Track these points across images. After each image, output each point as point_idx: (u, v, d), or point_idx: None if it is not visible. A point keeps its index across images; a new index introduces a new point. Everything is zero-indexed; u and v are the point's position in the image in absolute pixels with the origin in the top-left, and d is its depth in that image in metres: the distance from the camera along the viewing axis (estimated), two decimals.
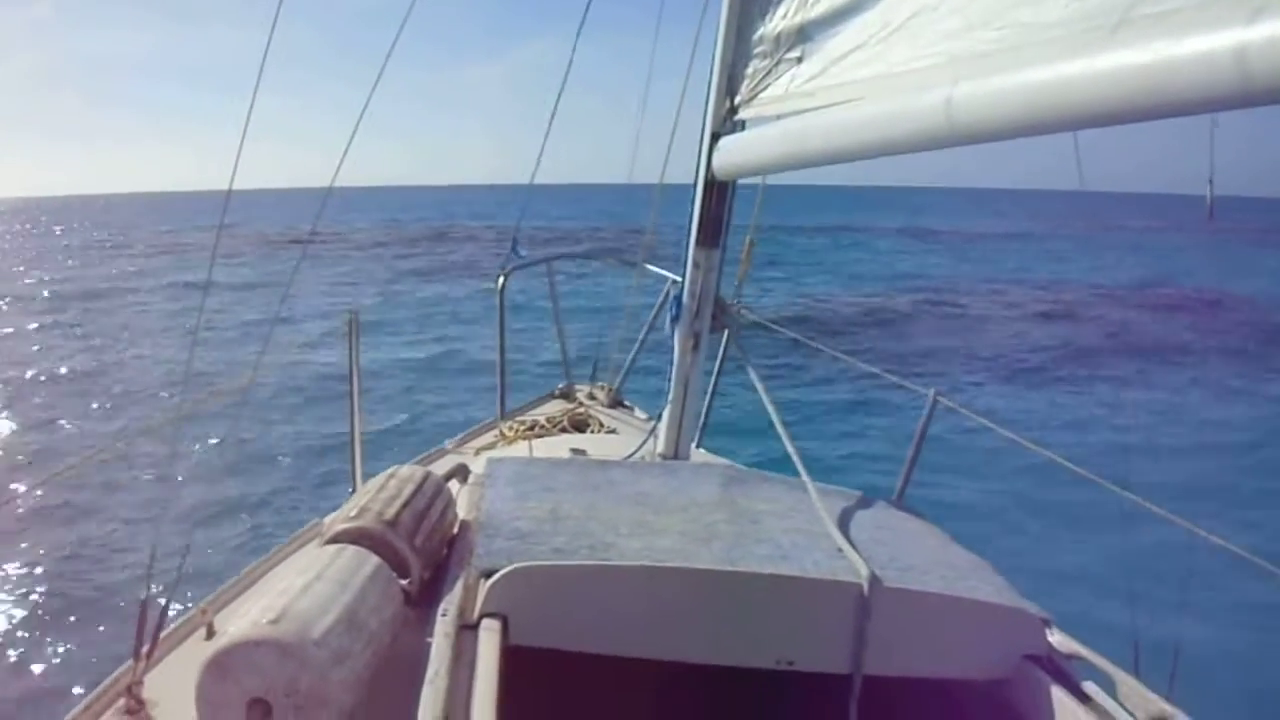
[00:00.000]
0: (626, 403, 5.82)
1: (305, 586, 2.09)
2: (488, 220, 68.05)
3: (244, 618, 1.99)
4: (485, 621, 2.26)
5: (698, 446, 4.66)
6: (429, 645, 2.16)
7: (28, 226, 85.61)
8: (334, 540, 2.48)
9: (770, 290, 27.57)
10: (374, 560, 2.35)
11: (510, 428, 5.05)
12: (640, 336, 5.69)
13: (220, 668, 1.90)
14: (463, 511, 2.94)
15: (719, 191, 3.78)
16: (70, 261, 42.91)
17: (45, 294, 30.22)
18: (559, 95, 6.03)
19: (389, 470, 2.90)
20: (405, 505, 2.62)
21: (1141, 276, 34.32)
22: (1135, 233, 60.72)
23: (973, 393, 14.87)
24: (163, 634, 2.55)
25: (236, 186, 3.77)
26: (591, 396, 5.84)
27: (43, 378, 16.88)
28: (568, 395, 5.87)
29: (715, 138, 3.70)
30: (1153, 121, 1.63)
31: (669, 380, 4.04)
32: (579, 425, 5.17)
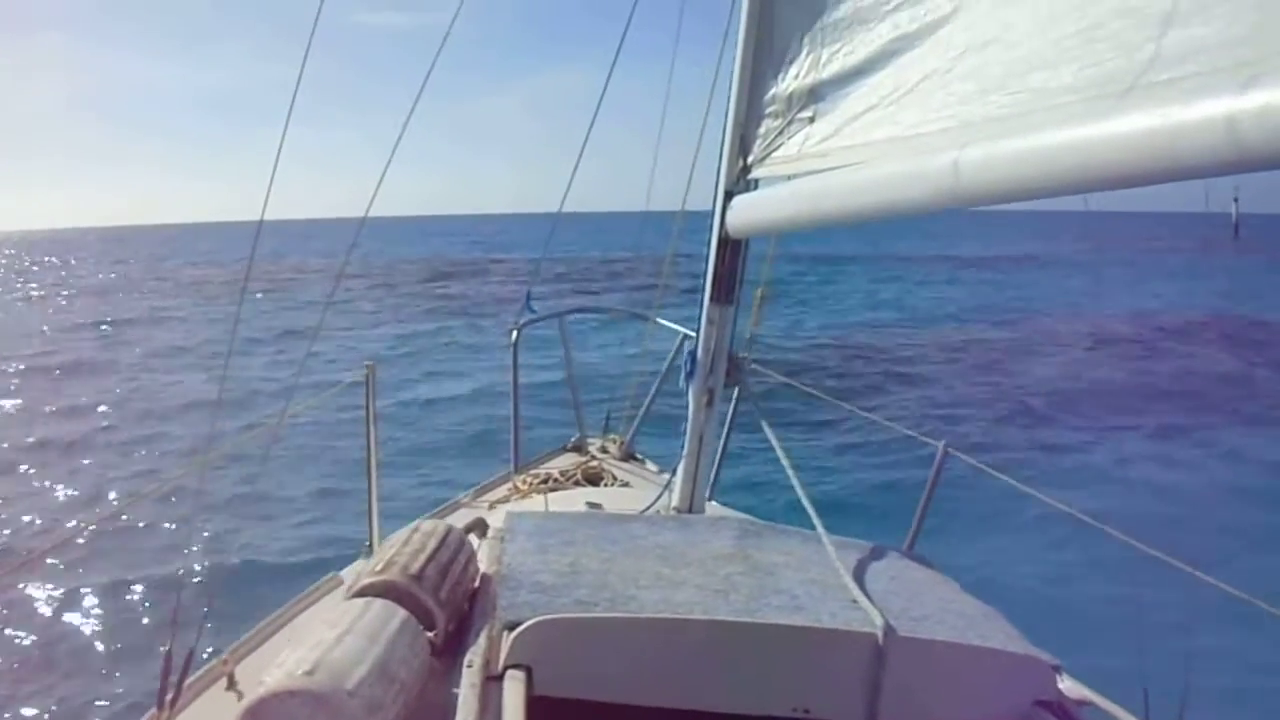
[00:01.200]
0: (639, 455, 5.85)
1: (337, 639, 2.13)
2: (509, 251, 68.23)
3: (278, 668, 2.03)
4: (510, 672, 2.31)
5: (711, 500, 4.69)
6: (455, 696, 2.20)
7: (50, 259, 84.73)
8: (361, 593, 2.52)
9: (788, 332, 26.77)
10: (401, 613, 2.40)
11: (524, 481, 5.09)
12: (652, 390, 5.74)
13: (257, 718, 1.93)
14: (484, 565, 2.99)
15: (733, 249, 3.84)
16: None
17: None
18: (590, 127, 6.04)
19: (412, 525, 2.95)
20: (430, 559, 2.67)
21: (1170, 302, 32.43)
22: (1159, 254, 57.42)
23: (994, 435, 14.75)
24: (186, 683, 2.58)
25: (267, 217, 3.85)
26: (604, 449, 5.87)
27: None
28: (580, 449, 5.90)
29: (729, 195, 3.76)
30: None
31: (684, 435, 4.08)
32: (592, 479, 5.21)
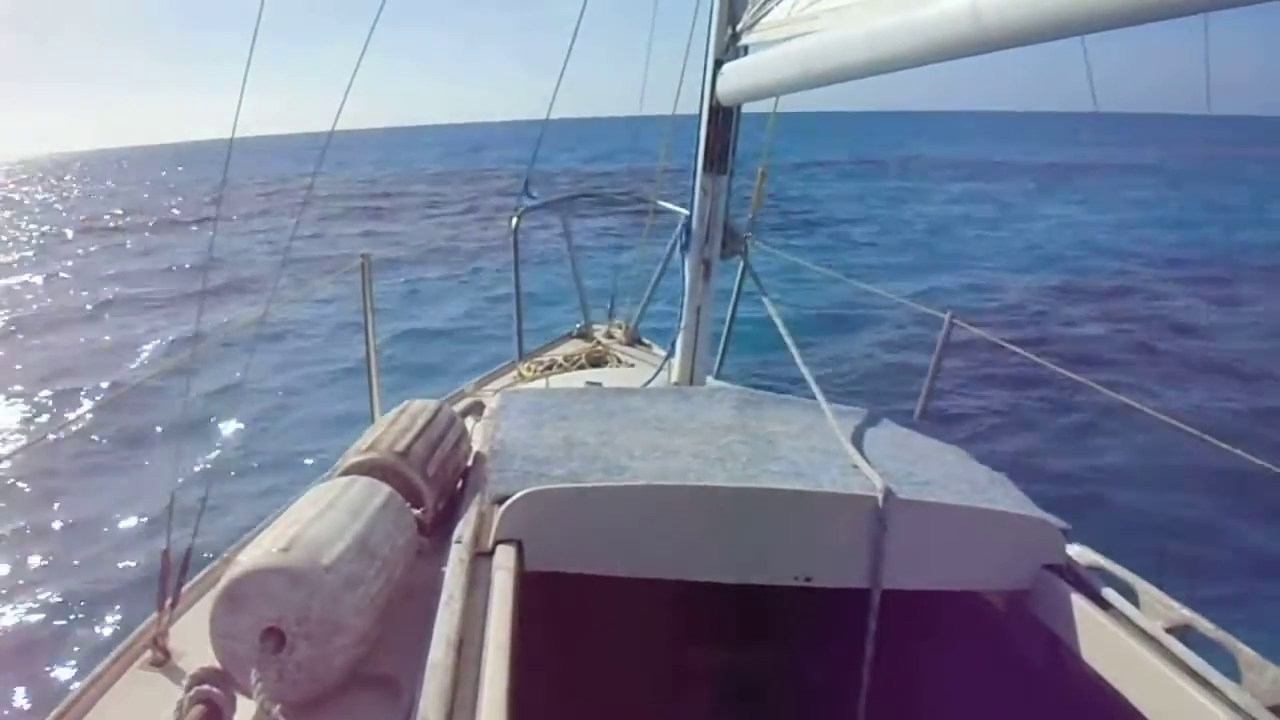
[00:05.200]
0: (645, 340, 5.83)
1: (316, 516, 2.11)
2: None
3: (256, 547, 2.02)
4: (500, 547, 2.28)
5: (715, 376, 4.67)
6: (444, 573, 2.19)
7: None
8: (347, 473, 2.51)
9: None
10: (385, 490, 2.37)
11: (529, 367, 5.08)
12: (656, 273, 5.69)
13: (232, 598, 1.92)
14: (477, 444, 2.97)
15: (724, 117, 3.77)
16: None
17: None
18: (569, 50, 5.96)
19: (402, 405, 2.92)
20: (418, 436, 2.65)
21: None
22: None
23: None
24: (186, 586, 2.58)
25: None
26: (610, 335, 5.85)
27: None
28: (585, 335, 5.89)
29: (719, 64, 3.67)
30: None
31: (682, 308, 4.04)
32: (596, 362, 5.20)
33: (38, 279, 22.93)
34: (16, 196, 65.08)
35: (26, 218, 43.70)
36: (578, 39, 5.96)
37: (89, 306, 18.57)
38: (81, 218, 41.16)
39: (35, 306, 19.16)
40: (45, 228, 37.41)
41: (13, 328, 16.78)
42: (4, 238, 34.51)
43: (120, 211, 42.63)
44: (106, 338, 15.69)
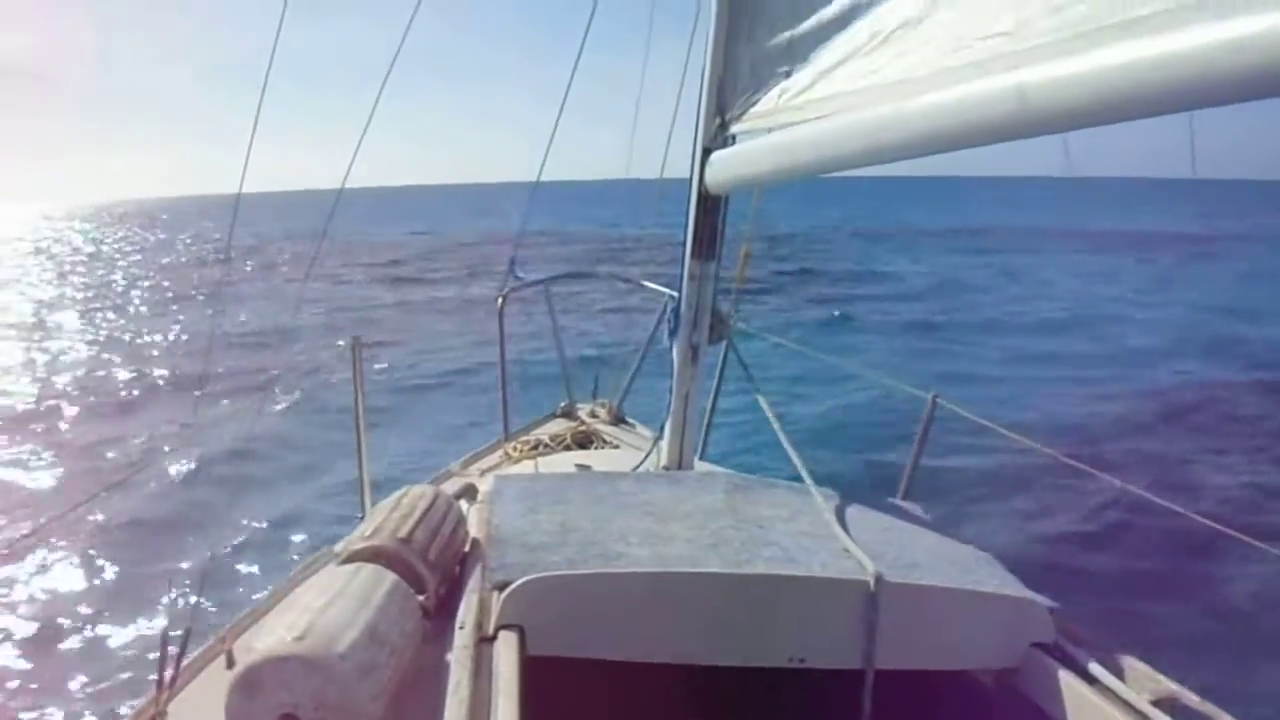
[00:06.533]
0: (629, 420, 5.86)
1: (327, 604, 2.13)
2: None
3: (269, 635, 2.03)
4: (502, 634, 2.31)
5: (700, 458, 4.70)
6: (448, 659, 2.20)
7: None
8: (350, 559, 2.53)
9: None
10: (391, 577, 2.40)
11: (515, 447, 5.09)
12: (640, 353, 5.74)
13: (248, 685, 1.93)
14: (473, 529, 2.99)
15: (712, 204, 3.84)
16: None
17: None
18: (559, 114, 6.06)
19: (400, 491, 2.95)
20: (419, 523, 2.68)
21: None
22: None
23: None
24: (184, 663, 2.58)
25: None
26: (593, 414, 5.87)
27: None
28: (570, 414, 5.90)
29: (707, 152, 3.75)
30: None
31: (670, 393, 4.09)
32: (582, 443, 5.21)
33: None
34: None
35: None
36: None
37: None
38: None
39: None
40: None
41: None
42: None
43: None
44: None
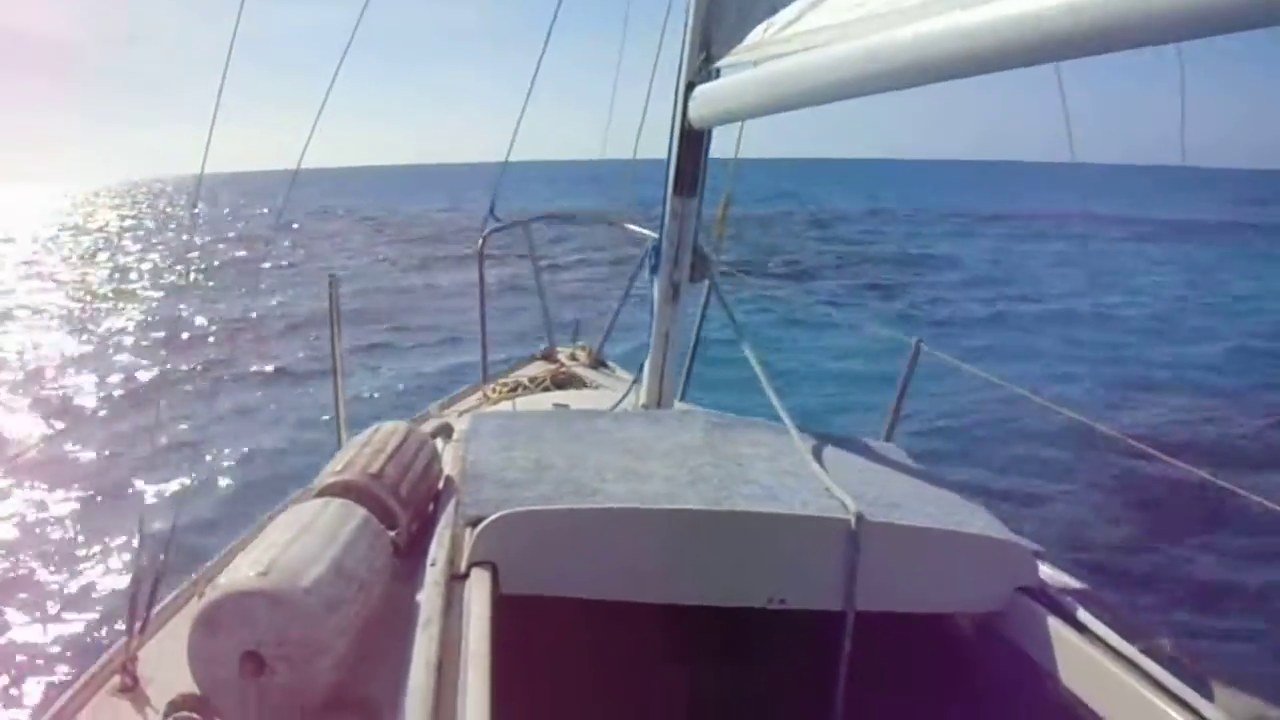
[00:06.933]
0: (609, 363, 5.84)
1: (292, 539, 2.09)
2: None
3: (233, 571, 1.99)
4: (475, 571, 2.27)
5: (681, 399, 4.67)
6: (419, 596, 2.17)
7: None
8: (320, 495, 2.48)
9: None
10: (360, 512, 2.35)
11: (494, 389, 5.06)
12: (621, 296, 5.70)
13: (210, 622, 1.89)
14: (448, 466, 2.95)
15: (695, 140, 3.78)
16: None
17: None
18: (525, 100, 6.03)
19: (373, 427, 2.90)
20: (390, 458, 2.63)
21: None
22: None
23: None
24: (156, 609, 2.54)
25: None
26: (574, 358, 5.85)
27: None
28: (550, 357, 5.87)
29: (690, 87, 3.69)
30: None
31: (650, 331, 4.05)
32: (562, 385, 5.18)
33: None
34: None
35: None
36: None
37: None
38: None
39: None
40: None
41: None
42: None
43: None
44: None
